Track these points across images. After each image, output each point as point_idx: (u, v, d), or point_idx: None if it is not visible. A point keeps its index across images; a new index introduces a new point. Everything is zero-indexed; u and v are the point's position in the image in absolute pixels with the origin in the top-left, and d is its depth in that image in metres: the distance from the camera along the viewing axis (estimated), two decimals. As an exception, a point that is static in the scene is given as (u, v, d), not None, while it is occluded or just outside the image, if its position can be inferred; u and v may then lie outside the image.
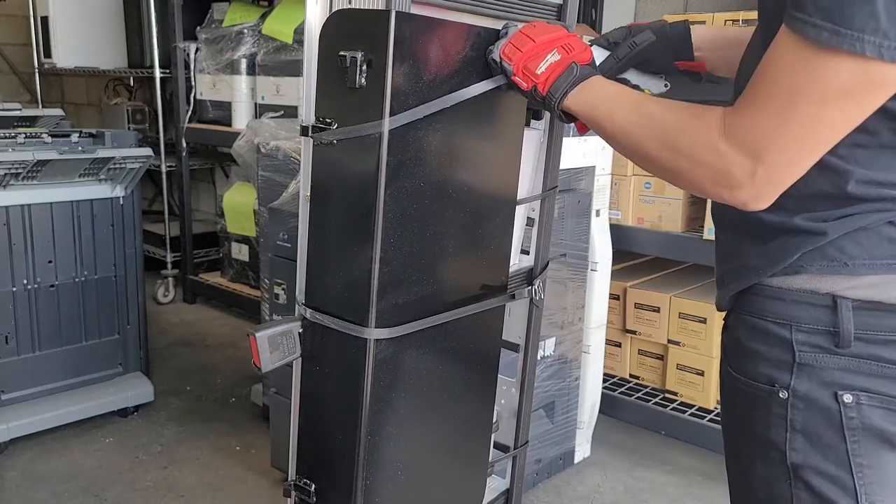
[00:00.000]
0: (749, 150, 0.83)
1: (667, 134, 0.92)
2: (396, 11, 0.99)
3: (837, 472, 0.90)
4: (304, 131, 1.09)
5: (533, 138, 1.32)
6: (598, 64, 1.17)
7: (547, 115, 1.33)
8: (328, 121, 1.05)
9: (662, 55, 1.19)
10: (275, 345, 1.11)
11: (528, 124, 1.34)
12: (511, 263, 1.37)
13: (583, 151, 2.30)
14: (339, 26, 1.04)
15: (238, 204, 3.76)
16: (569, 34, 1.10)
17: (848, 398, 0.88)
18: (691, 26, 1.19)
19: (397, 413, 1.15)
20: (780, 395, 0.91)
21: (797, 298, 0.91)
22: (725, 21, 2.34)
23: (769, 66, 0.83)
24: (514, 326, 1.46)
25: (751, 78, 0.85)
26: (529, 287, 1.40)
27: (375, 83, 1.00)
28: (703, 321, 2.57)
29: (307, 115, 1.10)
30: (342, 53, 1.01)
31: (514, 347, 1.47)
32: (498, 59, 1.11)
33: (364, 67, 1.00)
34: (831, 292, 0.89)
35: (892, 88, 0.79)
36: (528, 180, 1.33)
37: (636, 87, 1.20)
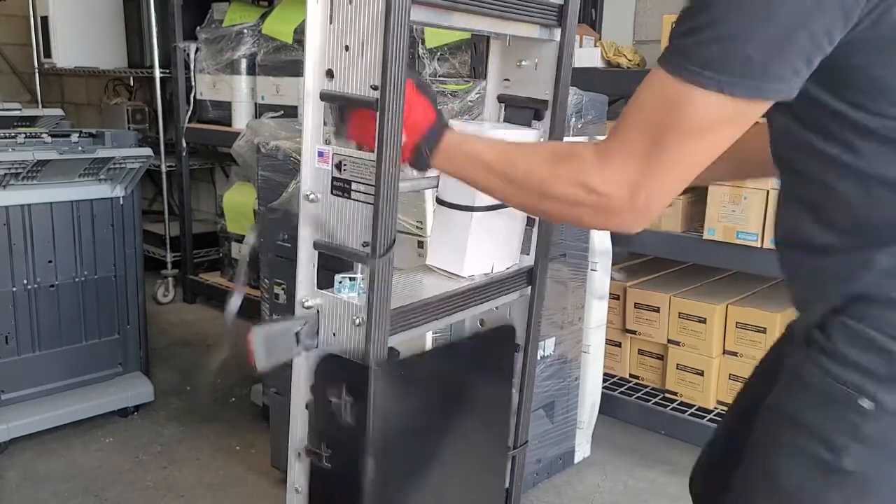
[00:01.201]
0: (626, 182, 0.89)
1: (540, 185, 0.97)
2: (375, 369, 1.08)
3: None
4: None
5: (528, 138, 1.32)
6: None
7: (548, 115, 1.33)
8: (321, 451, 1.15)
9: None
10: (272, 344, 1.11)
11: (528, 125, 1.34)
12: (511, 262, 1.37)
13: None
14: (328, 370, 1.14)
15: (238, 204, 3.76)
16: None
17: None
18: None
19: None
20: (863, 404, 0.89)
21: None
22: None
23: (642, 98, 0.89)
24: (514, 326, 1.46)
25: (623, 111, 0.91)
26: (529, 286, 1.40)
27: (360, 422, 1.10)
28: (703, 321, 2.57)
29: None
30: (331, 398, 1.12)
31: (515, 347, 1.47)
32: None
33: (349, 409, 1.10)
34: None
35: (744, 122, 0.86)
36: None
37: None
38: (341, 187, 1.09)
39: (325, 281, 1.15)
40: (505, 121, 1.37)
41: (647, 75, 0.89)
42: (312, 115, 1.10)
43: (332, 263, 1.16)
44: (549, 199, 0.96)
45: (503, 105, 1.37)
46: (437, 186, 1.29)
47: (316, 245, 1.13)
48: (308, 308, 1.14)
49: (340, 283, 1.13)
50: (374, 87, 1.03)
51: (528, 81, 1.36)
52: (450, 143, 1.06)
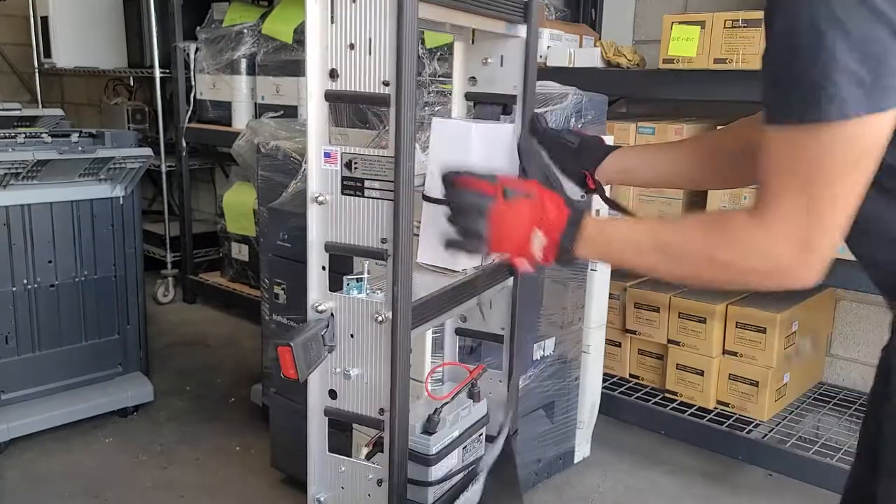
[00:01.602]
0: (794, 241, 0.88)
1: (700, 256, 0.96)
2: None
3: None
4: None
5: (509, 132, 1.34)
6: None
7: (517, 109, 1.37)
8: None
9: (574, 160, 1.32)
10: (307, 351, 1.10)
11: (497, 120, 1.36)
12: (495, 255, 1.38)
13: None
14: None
15: (238, 204, 3.76)
16: (532, 199, 1.06)
17: None
18: (618, 150, 1.32)
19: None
20: None
21: None
22: (725, 21, 2.34)
23: (773, 163, 0.88)
24: (497, 317, 1.47)
25: (761, 180, 0.90)
26: (511, 277, 1.42)
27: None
28: (703, 321, 2.57)
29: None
30: None
31: (498, 339, 1.48)
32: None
33: None
34: None
35: (877, 135, 0.83)
36: (507, 174, 1.34)
37: (557, 180, 1.34)
38: (353, 186, 1.09)
39: (332, 284, 1.15)
40: (475, 118, 1.39)
41: (764, 142, 0.88)
42: (316, 115, 1.10)
43: (337, 265, 1.15)
44: (715, 267, 0.94)
45: (472, 103, 1.40)
46: (422, 184, 1.30)
47: (328, 247, 1.13)
48: (321, 311, 1.13)
49: (349, 284, 1.13)
50: (386, 83, 1.03)
51: (495, 78, 1.40)
52: (591, 232, 1.04)
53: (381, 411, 1.13)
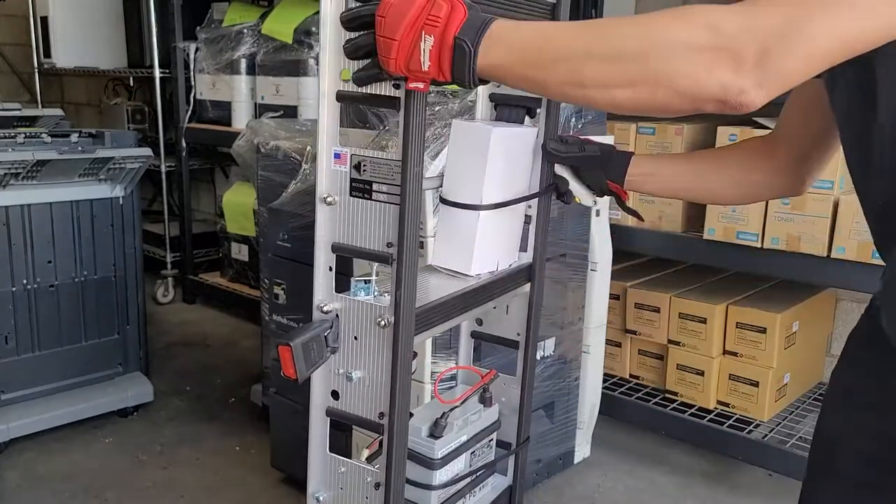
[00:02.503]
0: (758, 34, 0.76)
1: (647, 33, 0.80)
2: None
3: None
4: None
5: (529, 136, 1.33)
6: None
7: (542, 114, 1.33)
8: None
9: (598, 170, 1.27)
10: (308, 352, 1.09)
11: (521, 123, 1.34)
12: (512, 260, 1.37)
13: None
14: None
15: (238, 204, 3.76)
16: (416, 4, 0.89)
17: None
18: (633, 157, 1.26)
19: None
20: None
21: None
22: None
23: None
24: (512, 323, 1.46)
25: None
26: (528, 283, 1.40)
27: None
28: (703, 321, 2.57)
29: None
30: None
31: (513, 345, 1.47)
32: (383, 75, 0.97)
33: None
34: None
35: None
36: (525, 178, 1.33)
37: (569, 191, 1.32)
38: (361, 188, 1.08)
39: (338, 284, 1.14)
40: (497, 119, 1.37)
41: None
42: (328, 116, 1.10)
43: (340, 267, 1.15)
44: (660, 53, 0.78)
45: (494, 104, 1.38)
46: (440, 187, 1.29)
47: (334, 248, 1.12)
48: (326, 312, 1.13)
49: (356, 285, 1.12)
50: (397, 86, 1.02)
51: None
52: (498, 31, 0.87)
53: (381, 415, 1.12)
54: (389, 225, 1.07)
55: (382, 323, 1.09)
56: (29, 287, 2.57)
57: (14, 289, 2.53)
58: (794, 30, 0.76)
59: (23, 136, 2.59)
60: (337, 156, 1.10)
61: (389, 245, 1.07)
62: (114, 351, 2.80)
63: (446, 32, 0.88)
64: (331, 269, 1.13)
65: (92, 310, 2.72)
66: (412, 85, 0.96)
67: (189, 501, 2.32)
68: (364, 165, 1.08)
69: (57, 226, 2.60)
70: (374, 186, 1.07)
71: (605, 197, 1.35)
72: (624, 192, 1.29)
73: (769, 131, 1.25)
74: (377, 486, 1.14)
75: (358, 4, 0.96)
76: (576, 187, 1.32)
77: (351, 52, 0.99)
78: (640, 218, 1.41)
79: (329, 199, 1.11)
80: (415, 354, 1.16)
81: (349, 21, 0.97)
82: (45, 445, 2.58)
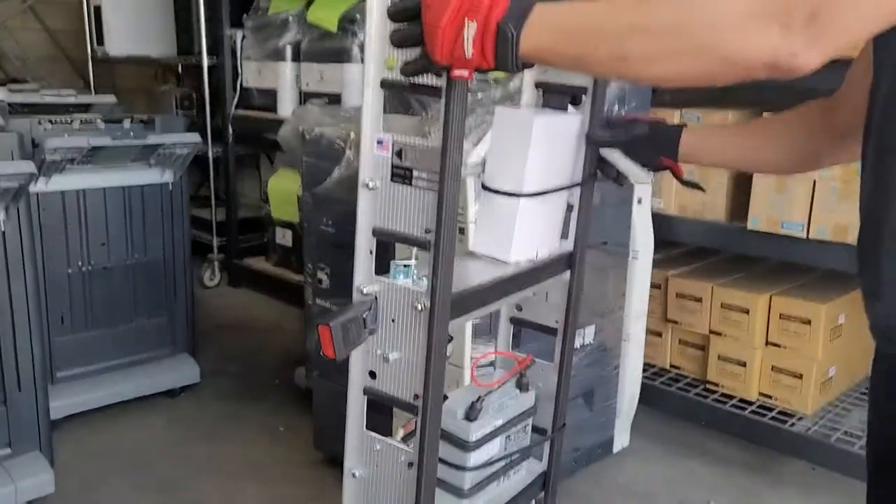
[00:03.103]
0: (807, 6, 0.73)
1: (690, 2, 0.79)
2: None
3: None
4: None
5: (573, 124, 1.33)
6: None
7: (586, 100, 1.33)
8: None
9: (649, 148, 1.26)
10: (346, 332, 1.12)
11: (566, 109, 1.34)
12: (552, 247, 1.38)
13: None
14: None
15: (282, 190, 3.82)
16: None
17: None
18: (684, 129, 1.25)
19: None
20: None
21: None
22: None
23: None
24: (551, 310, 1.47)
25: None
26: (568, 271, 1.41)
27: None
28: (746, 312, 2.54)
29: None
30: None
31: (552, 332, 1.48)
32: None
33: None
34: None
35: None
36: (568, 166, 1.33)
37: (620, 174, 1.31)
38: (402, 175, 1.11)
39: (379, 267, 1.17)
40: (543, 106, 1.38)
41: None
42: (372, 103, 1.12)
43: (381, 250, 1.18)
44: (706, 21, 0.77)
45: (541, 91, 1.38)
46: (482, 173, 1.31)
47: (375, 232, 1.15)
48: (366, 294, 1.16)
49: (396, 269, 1.15)
50: (438, 75, 1.04)
51: None
52: (542, 11, 0.87)
53: (416, 397, 1.15)
54: (428, 211, 1.09)
55: (419, 307, 1.11)
56: (84, 269, 2.65)
57: (70, 270, 2.62)
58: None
59: (78, 122, 2.67)
60: (379, 142, 1.12)
61: (427, 231, 1.09)
62: (163, 332, 2.88)
63: (489, 18, 0.89)
64: (371, 252, 1.16)
65: (142, 292, 2.80)
66: (457, 73, 0.98)
67: (234, 479, 2.39)
68: (405, 152, 1.10)
69: (110, 210, 2.67)
70: (415, 173, 1.09)
71: (649, 183, 1.34)
72: (678, 166, 1.27)
73: (828, 98, 1.18)
74: (410, 465, 1.17)
75: None
76: (628, 166, 1.30)
77: (398, 41, 1.01)
78: (701, 189, 1.39)
79: (371, 185, 1.13)
80: (450, 338, 1.17)
81: (397, 13, 0.99)
82: (96, 423, 2.67)
